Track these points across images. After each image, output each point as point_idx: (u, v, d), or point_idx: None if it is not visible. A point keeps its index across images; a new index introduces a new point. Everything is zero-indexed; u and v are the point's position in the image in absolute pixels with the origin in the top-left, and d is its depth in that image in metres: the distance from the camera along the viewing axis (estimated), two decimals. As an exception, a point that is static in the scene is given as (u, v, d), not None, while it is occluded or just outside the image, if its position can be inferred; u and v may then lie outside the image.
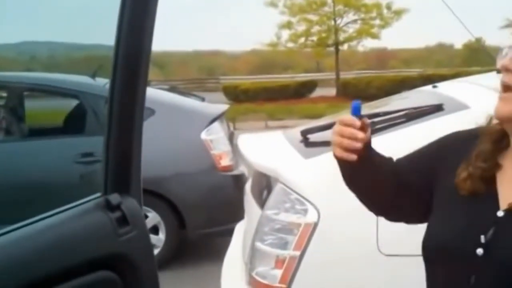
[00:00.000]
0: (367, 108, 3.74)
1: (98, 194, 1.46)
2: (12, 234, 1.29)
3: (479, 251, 1.30)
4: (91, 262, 1.37)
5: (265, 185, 2.87)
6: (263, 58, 39.40)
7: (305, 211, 2.39)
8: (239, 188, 4.51)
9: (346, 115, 1.40)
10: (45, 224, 1.35)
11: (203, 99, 6.65)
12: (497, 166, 1.39)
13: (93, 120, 5.10)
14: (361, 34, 29.00)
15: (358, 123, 1.38)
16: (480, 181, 1.37)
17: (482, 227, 1.32)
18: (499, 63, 1.34)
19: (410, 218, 1.58)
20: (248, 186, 3.36)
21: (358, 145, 1.39)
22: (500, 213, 1.33)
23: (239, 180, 5.21)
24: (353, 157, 1.41)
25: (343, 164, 1.50)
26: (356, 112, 1.39)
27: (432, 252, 1.41)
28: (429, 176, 1.49)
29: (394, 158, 1.58)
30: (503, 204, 1.34)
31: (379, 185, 1.51)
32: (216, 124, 5.41)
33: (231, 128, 6.63)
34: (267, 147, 3.24)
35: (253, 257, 2.52)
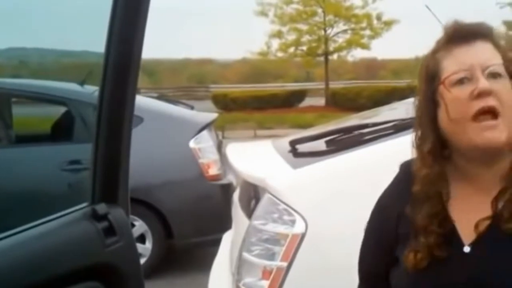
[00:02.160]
0: (356, 119, 3.75)
1: (85, 204, 1.45)
2: (-4, 243, 1.27)
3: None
4: (78, 272, 1.36)
5: (253, 195, 2.86)
6: (253, 67, 39.48)
7: (293, 221, 2.38)
8: (227, 198, 4.50)
9: None
10: (31, 234, 1.33)
11: (192, 108, 6.64)
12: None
13: (81, 128, 5.08)
14: (351, 44, 29.14)
15: None
16: (439, 244, 1.26)
17: (456, 272, 1.25)
18: (476, 90, 1.24)
19: None
20: (236, 196, 3.35)
21: None
22: (466, 249, 1.26)
23: (227, 190, 5.20)
24: None
25: None
26: None
27: None
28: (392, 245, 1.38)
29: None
30: (466, 236, 1.27)
31: None
32: (204, 133, 5.40)
33: (220, 137, 6.63)
34: (255, 157, 3.24)
35: (240, 267, 2.51)
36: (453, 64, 1.29)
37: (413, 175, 1.34)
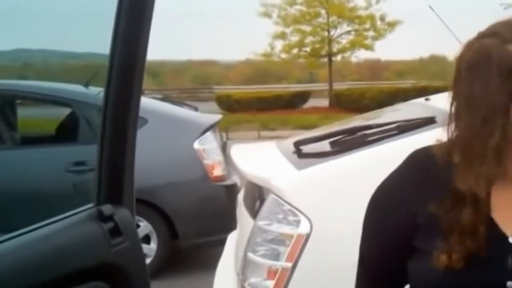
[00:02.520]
0: (359, 120, 3.76)
1: (91, 205, 1.46)
2: (2, 245, 1.28)
3: (510, 284, 1.17)
4: (84, 273, 1.37)
5: (257, 195, 2.87)
6: (257, 68, 39.44)
7: (298, 222, 2.39)
8: (232, 198, 4.51)
9: None
10: (37, 235, 1.34)
11: (196, 109, 6.65)
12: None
13: (86, 129, 5.10)
14: (354, 45, 29.10)
15: None
16: (480, 245, 1.18)
17: (501, 260, 1.18)
18: None
19: None
20: (240, 197, 3.35)
21: None
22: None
23: (231, 190, 5.20)
24: None
25: None
26: None
27: None
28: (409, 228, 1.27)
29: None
30: (508, 228, 1.21)
31: None
32: (209, 134, 5.41)
33: (224, 138, 6.64)
34: (260, 158, 3.24)
35: (245, 268, 2.51)
36: None
37: (446, 169, 1.23)
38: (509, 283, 1.18)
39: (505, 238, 1.20)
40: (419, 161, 1.33)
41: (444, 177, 1.24)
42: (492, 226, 1.21)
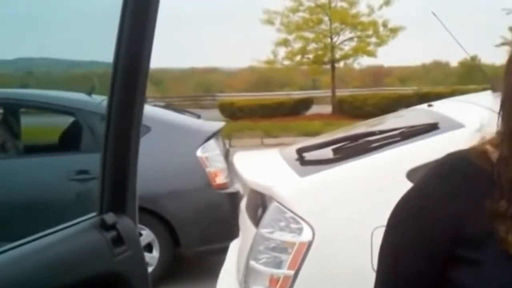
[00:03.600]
0: (362, 126, 3.75)
1: (93, 214, 1.46)
2: (6, 254, 1.28)
3: None
4: (86, 282, 1.37)
5: (260, 203, 2.87)
6: (260, 75, 39.49)
7: (300, 230, 2.39)
8: (234, 206, 4.51)
9: None
10: (40, 244, 1.34)
11: (199, 116, 6.66)
12: None
13: (89, 137, 5.10)
14: (357, 51, 29.10)
15: None
16: None
17: None
18: None
19: None
20: (243, 204, 3.35)
21: None
22: None
23: (234, 198, 5.20)
24: None
25: None
26: None
27: None
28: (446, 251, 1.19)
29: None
30: None
31: None
32: (211, 142, 5.41)
33: (227, 146, 6.63)
34: (262, 165, 3.24)
35: (247, 276, 2.51)
36: None
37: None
38: None
39: None
40: (458, 165, 1.24)
41: (486, 179, 1.17)
42: None
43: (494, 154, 1.20)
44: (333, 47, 28.79)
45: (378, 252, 1.28)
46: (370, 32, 28.80)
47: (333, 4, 28.65)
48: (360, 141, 2.82)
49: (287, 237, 2.41)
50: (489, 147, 1.22)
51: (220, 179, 5.31)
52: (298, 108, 26.95)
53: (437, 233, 1.20)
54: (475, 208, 1.16)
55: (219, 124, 6.09)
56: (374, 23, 28.58)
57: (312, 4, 28.46)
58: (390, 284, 1.26)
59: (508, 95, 1.20)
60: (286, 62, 29.82)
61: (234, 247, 3.46)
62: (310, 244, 2.35)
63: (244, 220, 3.12)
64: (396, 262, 1.25)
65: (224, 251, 3.56)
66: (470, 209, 1.17)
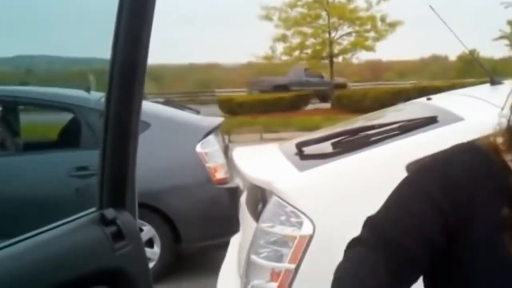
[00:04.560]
0: (362, 120, 3.76)
1: (93, 209, 1.46)
2: (6, 250, 1.28)
3: None
4: (87, 277, 1.37)
5: (260, 197, 2.87)
6: (259, 71, 39.46)
7: (300, 223, 2.39)
8: (234, 201, 4.51)
9: None
10: (40, 239, 1.34)
11: (198, 112, 6.66)
12: None
13: (88, 134, 5.10)
14: (355, 46, 29.10)
15: None
16: None
17: None
18: None
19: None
20: (243, 199, 3.35)
21: None
22: None
23: (234, 193, 5.20)
24: None
25: None
26: None
27: None
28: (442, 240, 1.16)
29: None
30: None
31: None
32: (211, 137, 5.41)
33: (226, 141, 6.64)
34: (262, 160, 3.25)
35: (248, 270, 2.51)
36: None
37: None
38: None
39: None
40: (473, 153, 1.22)
41: (501, 169, 1.17)
42: None
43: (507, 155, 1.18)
44: (331, 42, 28.79)
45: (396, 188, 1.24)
46: (368, 26, 28.80)
47: (331, -1, 28.65)
48: (360, 135, 2.82)
49: (287, 231, 2.41)
50: (500, 145, 1.20)
51: (220, 175, 5.32)
52: (297, 103, 26.95)
53: (452, 204, 1.16)
54: (491, 195, 1.15)
55: (218, 120, 6.09)
56: (372, 18, 28.58)
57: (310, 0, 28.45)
58: (382, 251, 1.17)
59: None
60: (285, 58, 29.83)
61: (234, 241, 3.47)
62: (310, 237, 2.36)
63: (244, 214, 3.12)
64: (396, 228, 1.18)
65: (224, 246, 3.57)
66: (484, 195, 1.15)
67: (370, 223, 1.24)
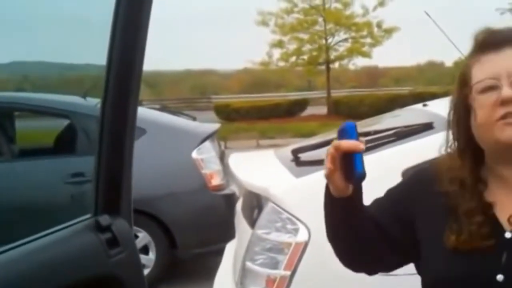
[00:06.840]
0: (358, 127, 3.75)
1: (88, 215, 1.46)
2: (1, 256, 1.28)
3: (499, 277, 1.27)
4: (81, 283, 1.37)
5: (256, 204, 2.86)
6: (255, 77, 39.50)
7: (296, 230, 2.39)
8: (230, 208, 4.50)
9: (348, 140, 1.31)
10: (35, 246, 1.34)
11: (194, 118, 6.65)
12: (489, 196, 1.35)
13: (84, 140, 5.09)
14: (352, 52, 29.12)
15: (362, 147, 1.30)
16: (481, 234, 1.30)
17: (494, 253, 1.28)
18: (499, 98, 1.29)
19: (388, 267, 1.53)
20: (239, 205, 3.35)
21: None
22: (508, 235, 1.30)
23: (230, 200, 5.20)
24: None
25: (335, 203, 1.45)
26: (353, 135, 1.32)
27: (444, 285, 1.34)
28: (408, 223, 1.44)
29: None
30: (505, 222, 1.31)
31: (363, 231, 1.47)
32: (207, 143, 5.41)
33: (222, 147, 6.63)
34: (258, 166, 3.24)
35: (244, 277, 2.51)
36: (480, 72, 1.34)
37: (438, 177, 1.42)
38: (498, 276, 1.27)
39: (503, 232, 1.30)
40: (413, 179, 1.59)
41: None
42: (494, 221, 1.32)
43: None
44: (328, 48, 28.81)
45: None
46: (364, 33, 28.81)
47: (327, 5, 28.68)
48: (355, 141, 2.82)
49: (283, 237, 2.41)
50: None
51: (216, 181, 5.31)
52: (294, 109, 26.96)
53: (402, 209, 1.49)
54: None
55: (214, 126, 6.09)
56: (368, 24, 28.60)
57: (307, 6, 28.49)
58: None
59: (456, 119, 1.44)
60: (281, 64, 29.83)
61: (230, 248, 3.46)
62: (306, 244, 2.35)
63: (240, 221, 3.12)
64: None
65: (220, 252, 3.56)
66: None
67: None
